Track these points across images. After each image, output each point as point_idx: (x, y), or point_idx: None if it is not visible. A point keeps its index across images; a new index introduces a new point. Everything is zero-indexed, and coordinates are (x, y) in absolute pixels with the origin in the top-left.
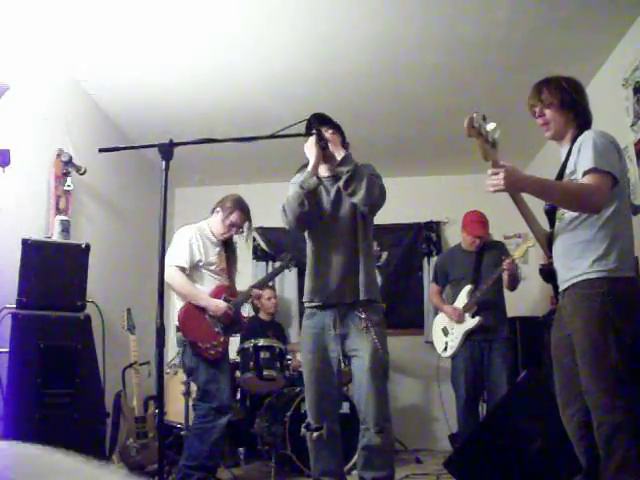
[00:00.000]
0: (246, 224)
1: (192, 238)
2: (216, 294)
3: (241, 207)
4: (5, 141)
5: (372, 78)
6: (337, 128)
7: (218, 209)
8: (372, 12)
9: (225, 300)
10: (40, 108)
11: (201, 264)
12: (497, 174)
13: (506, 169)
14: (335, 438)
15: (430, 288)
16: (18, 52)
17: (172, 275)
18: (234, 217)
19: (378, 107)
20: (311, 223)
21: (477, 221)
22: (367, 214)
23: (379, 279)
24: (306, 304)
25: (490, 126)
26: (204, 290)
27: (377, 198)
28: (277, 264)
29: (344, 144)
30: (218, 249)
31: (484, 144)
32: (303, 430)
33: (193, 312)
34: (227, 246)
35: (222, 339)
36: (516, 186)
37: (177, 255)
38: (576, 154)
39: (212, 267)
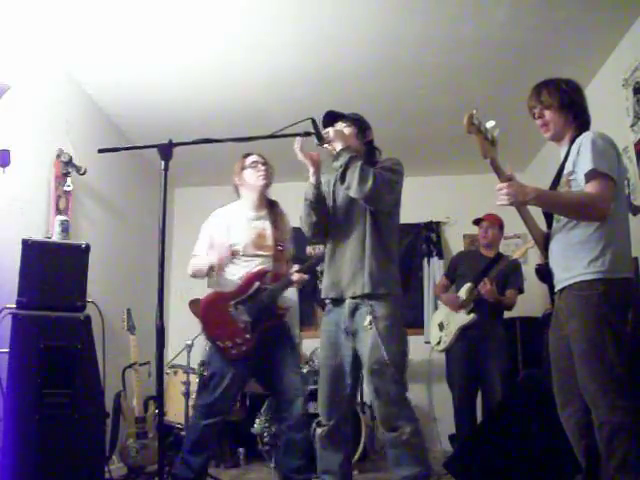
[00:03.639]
0: (264, 161)
1: (206, 224)
2: (248, 281)
3: (246, 153)
4: (5, 141)
5: (372, 78)
6: (351, 119)
7: (235, 179)
8: (372, 12)
9: (259, 288)
10: (40, 108)
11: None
12: (503, 190)
13: (510, 185)
14: (340, 436)
15: (439, 279)
16: (18, 52)
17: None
18: (248, 161)
19: (378, 107)
20: (326, 229)
21: (492, 213)
22: (371, 208)
23: None
24: (326, 300)
25: (490, 124)
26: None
27: (370, 191)
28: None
29: (364, 134)
30: (255, 222)
31: (483, 141)
32: (313, 425)
33: (216, 303)
34: (273, 219)
35: (248, 336)
36: (522, 200)
37: (196, 246)
38: (575, 155)
39: (236, 247)
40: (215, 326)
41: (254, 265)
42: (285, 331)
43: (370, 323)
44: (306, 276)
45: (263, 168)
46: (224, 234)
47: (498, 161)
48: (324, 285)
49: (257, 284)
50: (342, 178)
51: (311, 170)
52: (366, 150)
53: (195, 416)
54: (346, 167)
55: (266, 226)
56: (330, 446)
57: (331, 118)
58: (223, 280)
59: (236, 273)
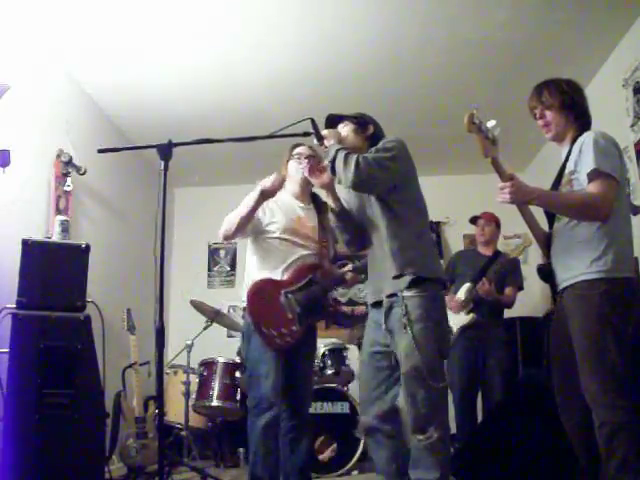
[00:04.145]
0: (312, 151)
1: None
2: (300, 272)
3: (295, 144)
4: (5, 141)
5: (372, 78)
6: (349, 118)
7: (282, 169)
8: (373, 13)
9: (311, 281)
10: (40, 108)
11: (262, 226)
12: (505, 188)
13: (512, 184)
14: (381, 434)
15: None
16: (18, 52)
17: (223, 227)
18: (293, 152)
19: (378, 107)
20: (361, 239)
21: (488, 211)
22: (370, 194)
23: None
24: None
25: (490, 123)
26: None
27: (354, 176)
28: None
29: (365, 129)
30: (297, 209)
31: (484, 141)
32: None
33: (266, 288)
34: (319, 211)
35: (294, 328)
36: (523, 200)
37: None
38: (577, 154)
39: (274, 234)
40: (262, 312)
41: (292, 252)
42: (314, 329)
43: (405, 327)
44: (360, 277)
45: (305, 161)
46: (263, 211)
47: (499, 160)
48: (368, 291)
49: (309, 276)
50: (333, 172)
51: (327, 194)
52: (369, 145)
53: (250, 417)
54: (333, 160)
55: (310, 217)
56: (374, 444)
57: (331, 121)
58: (267, 253)
59: (277, 254)
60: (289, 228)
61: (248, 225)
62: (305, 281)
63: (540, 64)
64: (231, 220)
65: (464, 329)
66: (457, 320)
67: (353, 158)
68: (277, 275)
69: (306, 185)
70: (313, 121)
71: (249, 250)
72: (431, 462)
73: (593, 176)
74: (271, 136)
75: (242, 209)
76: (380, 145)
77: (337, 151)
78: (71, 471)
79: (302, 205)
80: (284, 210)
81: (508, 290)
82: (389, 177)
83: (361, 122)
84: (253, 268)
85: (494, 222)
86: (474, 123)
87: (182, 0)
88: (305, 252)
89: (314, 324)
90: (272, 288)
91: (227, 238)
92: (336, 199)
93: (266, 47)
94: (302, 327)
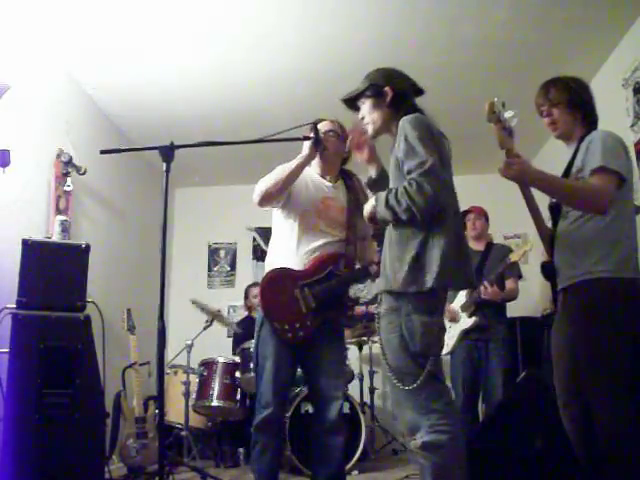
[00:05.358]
0: (336, 132)
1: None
2: (320, 263)
3: (319, 119)
4: (5, 141)
5: None
6: (363, 94)
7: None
8: (373, 13)
9: (331, 273)
10: (40, 108)
11: (290, 198)
12: (510, 164)
13: (520, 161)
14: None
15: None
16: (18, 52)
17: (258, 187)
18: (327, 129)
19: None
20: None
21: (476, 205)
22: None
23: None
24: None
25: (509, 113)
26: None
27: (420, 207)
28: None
29: (380, 99)
30: (326, 192)
31: (501, 131)
32: None
33: (281, 280)
34: (350, 195)
35: (309, 323)
36: (524, 177)
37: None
38: (584, 152)
39: (296, 214)
40: (275, 305)
41: (313, 237)
42: (340, 327)
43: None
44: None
45: (333, 140)
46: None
47: (514, 152)
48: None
49: (330, 268)
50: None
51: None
52: (393, 111)
53: (256, 411)
54: (385, 206)
55: (338, 197)
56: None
57: (349, 104)
58: (288, 232)
59: (297, 236)
60: (313, 210)
61: (289, 188)
62: (324, 273)
63: (540, 64)
64: (274, 177)
65: (466, 332)
66: (460, 324)
67: (404, 191)
68: (295, 260)
69: (336, 160)
70: (315, 126)
71: (275, 225)
72: (425, 474)
73: (596, 171)
74: (272, 140)
75: (288, 167)
76: (404, 145)
77: (374, 208)
78: (71, 471)
79: (330, 184)
80: (310, 188)
81: (509, 283)
82: (439, 170)
83: (376, 91)
84: (273, 248)
85: (483, 215)
86: (494, 112)
87: (182, 0)
88: (327, 240)
89: (331, 320)
90: (287, 278)
91: (265, 200)
92: (379, 166)
93: (266, 47)
94: (316, 322)
